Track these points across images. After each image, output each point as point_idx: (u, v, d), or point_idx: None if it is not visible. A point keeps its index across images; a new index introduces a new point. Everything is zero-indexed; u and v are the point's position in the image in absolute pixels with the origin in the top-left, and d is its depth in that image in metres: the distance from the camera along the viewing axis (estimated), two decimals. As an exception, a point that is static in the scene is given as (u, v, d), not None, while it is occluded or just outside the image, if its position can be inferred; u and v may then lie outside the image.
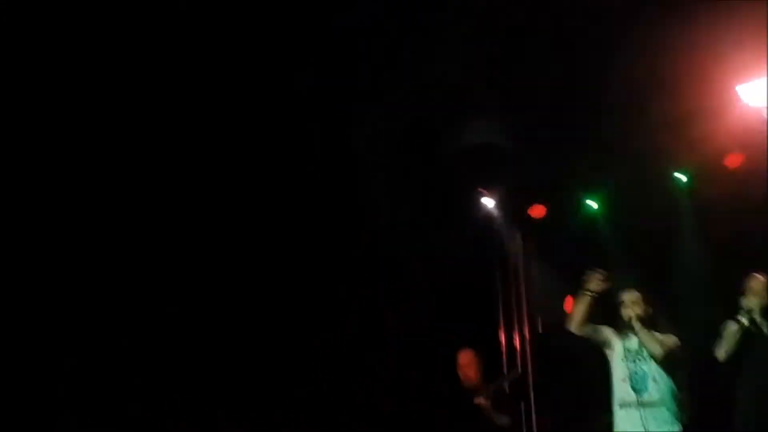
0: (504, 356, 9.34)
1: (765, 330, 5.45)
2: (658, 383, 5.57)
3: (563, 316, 8.67)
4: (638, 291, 5.82)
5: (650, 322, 5.68)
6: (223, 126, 7.63)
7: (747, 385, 5.54)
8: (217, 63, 7.14)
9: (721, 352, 5.58)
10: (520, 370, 8.53)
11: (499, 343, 9.41)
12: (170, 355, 7.70)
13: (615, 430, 5.66)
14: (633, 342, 5.73)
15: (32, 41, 6.68)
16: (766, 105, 6.85)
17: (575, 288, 8.55)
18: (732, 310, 5.66)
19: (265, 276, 8.07)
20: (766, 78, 6.77)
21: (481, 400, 6.49)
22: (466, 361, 6.87)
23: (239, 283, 7.93)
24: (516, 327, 9.49)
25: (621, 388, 5.69)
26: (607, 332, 5.84)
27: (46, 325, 7.37)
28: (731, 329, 5.58)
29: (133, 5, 6.59)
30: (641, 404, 5.53)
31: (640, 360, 5.67)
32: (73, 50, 6.80)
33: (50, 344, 7.38)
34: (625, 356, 5.70)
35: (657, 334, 5.64)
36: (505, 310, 9.53)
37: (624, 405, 5.61)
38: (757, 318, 5.46)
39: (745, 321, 5.49)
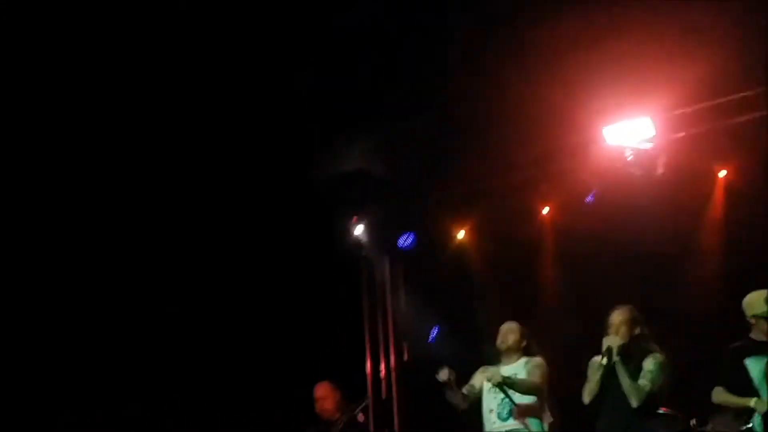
0: (369, 384, 9.35)
1: (623, 368, 5.50)
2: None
3: (430, 344, 8.99)
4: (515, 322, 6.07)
5: (526, 352, 5.94)
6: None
7: (604, 418, 5.62)
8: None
9: (585, 395, 5.67)
10: (371, 398, 8.50)
11: (365, 372, 9.42)
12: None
13: None
14: (503, 371, 5.90)
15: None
16: (627, 146, 7.20)
17: (441, 317, 8.85)
18: (595, 344, 5.80)
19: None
20: (629, 121, 7.14)
21: None
22: (322, 394, 6.72)
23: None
24: (382, 355, 9.55)
25: (488, 419, 5.82)
26: (476, 379, 6.06)
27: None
28: (593, 370, 5.67)
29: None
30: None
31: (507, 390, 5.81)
32: (66, 48, 6.55)
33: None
34: (491, 388, 5.87)
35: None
36: (371, 338, 9.57)
37: None
38: (615, 356, 5.52)
39: (604, 360, 5.58)
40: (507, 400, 5.80)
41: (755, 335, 5.43)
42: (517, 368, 5.93)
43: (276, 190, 8.45)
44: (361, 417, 6.78)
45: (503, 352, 6.02)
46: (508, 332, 6.03)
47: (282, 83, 7.51)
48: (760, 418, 5.35)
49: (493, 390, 5.88)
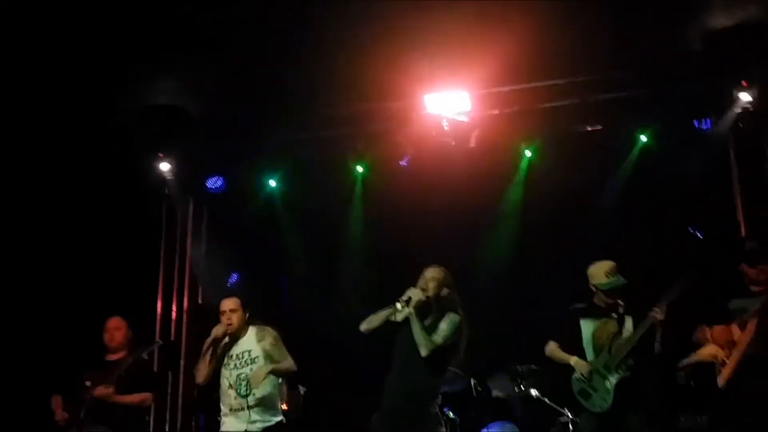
0: (158, 324, 9.32)
1: (416, 320, 5.63)
2: (264, 383, 5.86)
3: (225, 290, 9.07)
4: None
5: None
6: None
7: (394, 373, 5.75)
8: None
9: (364, 324, 5.82)
10: (161, 340, 8.49)
11: (155, 311, 9.38)
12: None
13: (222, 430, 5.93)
14: (237, 347, 5.98)
15: None
16: (445, 116, 7.61)
17: (243, 263, 8.96)
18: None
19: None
20: (449, 92, 7.55)
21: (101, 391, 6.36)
22: (115, 325, 6.78)
23: None
24: (175, 297, 9.54)
25: (229, 395, 5.90)
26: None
27: None
28: (384, 310, 5.82)
29: None
30: (248, 407, 5.83)
31: (243, 365, 5.92)
32: None
33: None
34: (227, 363, 5.93)
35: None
36: (165, 279, 9.52)
37: (233, 410, 5.87)
38: (410, 307, 5.63)
39: (399, 306, 5.68)
40: (243, 376, 5.83)
41: (597, 300, 5.91)
42: (249, 344, 5.93)
43: (78, 123, 8.16)
44: (145, 355, 6.80)
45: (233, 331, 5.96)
46: (233, 310, 5.94)
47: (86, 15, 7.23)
48: (576, 376, 5.78)
49: (231, 364, 5.90)
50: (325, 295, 8.57)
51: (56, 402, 6.46)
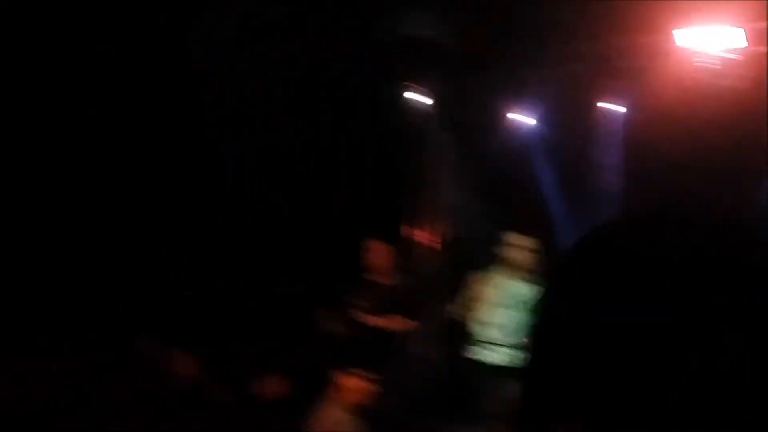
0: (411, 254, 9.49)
1: None
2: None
3: (474, 220, 9.07)
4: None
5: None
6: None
7: None
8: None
9: None
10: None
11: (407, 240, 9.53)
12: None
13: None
14: (515, 288, 6.18)
15: None
16: (697, 51, 6.95)
17: (491, 193, 8.91)
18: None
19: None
20: (702, 27, 6.83)
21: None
22: (375, 246, 6.94)
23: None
24: (425, 226, 9.63)
25: (493, 330, 6.19)
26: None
27: None
28: None
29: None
30: (509, 345, 6.05)
31: (516, 307, 6.09)
32: None
33: None
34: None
35: None
36: (415, 207, 9.62)
37: (495, 343, 6.16)
38: None
39: None
40: (513, 316, 6.04)
41: None
42: (523, 288, 6.11)
43: (334, 52, 8.31)
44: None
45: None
46: (523, 248, 6.16)
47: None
48: None
49: (506, 302, 6.12)
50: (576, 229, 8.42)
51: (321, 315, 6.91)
